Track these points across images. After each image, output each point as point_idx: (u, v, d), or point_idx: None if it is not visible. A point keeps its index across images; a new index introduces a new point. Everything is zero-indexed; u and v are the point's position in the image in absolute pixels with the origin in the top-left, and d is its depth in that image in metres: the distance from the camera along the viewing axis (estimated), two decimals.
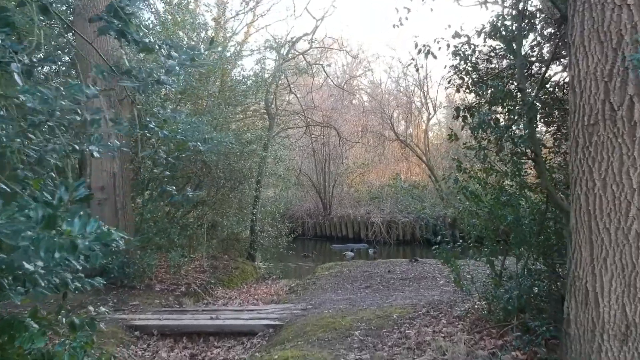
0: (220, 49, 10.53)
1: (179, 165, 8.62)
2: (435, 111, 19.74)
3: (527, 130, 3.41)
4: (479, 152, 4.22)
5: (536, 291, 3.99)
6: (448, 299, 5.51)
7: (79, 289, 2.64)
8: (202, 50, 2.71)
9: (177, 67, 2.28)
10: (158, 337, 5.27)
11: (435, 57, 5.18)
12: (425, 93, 19.17)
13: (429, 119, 19.59)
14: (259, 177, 10.24)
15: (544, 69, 4.70)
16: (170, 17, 9.52)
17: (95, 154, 2.45)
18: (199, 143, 3.45)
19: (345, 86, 18.66)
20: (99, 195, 7.14)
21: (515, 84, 4.42)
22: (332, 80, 16.93)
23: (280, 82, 11.94)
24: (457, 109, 4.64)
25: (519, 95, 4.47)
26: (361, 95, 21.49)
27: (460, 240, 4.39)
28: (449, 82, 5.13)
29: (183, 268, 7.73)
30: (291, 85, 13.16)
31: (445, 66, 4.96)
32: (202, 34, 9.67)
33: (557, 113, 4.59)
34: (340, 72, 21.20)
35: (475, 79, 4.62)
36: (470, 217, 4.22)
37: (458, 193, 4.29)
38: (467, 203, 4.08)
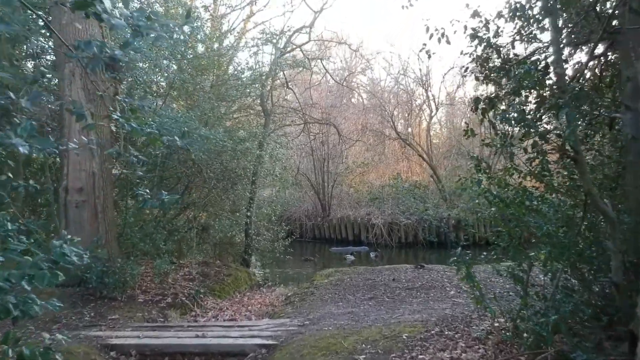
0: (216, 44, 9.95)
1: (169, 165, 8.03)
2: (437, 108, 19.16)
3: (570, 124, 2.81)
4: (503, 149, 3.64)
5: (569, 309, 3.40)
6: (462, 314, 4.92)
7: (28, 314, 2.11)
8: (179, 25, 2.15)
9: (127, 29, 1.69)
10: (137, 358, 4.68)
11: (449, 42, 4.60)
12: (427, 90, 18.60)
13: (431, 117, 19.00)
14: (254, 177, 9.64)
15: (577, 51, 4.13)
16: (162, 9, 8.92)
17: (22, 150, 1.87)
18: (176, 137, 2.86)
19: (344, 83, 18.05)
20: (77, 198, 6.53)
21: (542, 71, 3.84)
22: (331, 76, 16.31)
23: (276, 76, 11.34)
24: (477, 100, 4.05)
25: (548, 82, 3.91)
26: (360, 93, 20.89)
27: (483, 253, 3.79)
28: (465, 71, 4.55)
29: (170, 276, 7.12)
30: (289, 82, 12.55)
31: (462, 52, 4.38)
32: (195, 25, 9.04)
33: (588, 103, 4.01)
34: (340, 68, 20.62)
35: (497, 66, 4.03)
36: (495, 224, 3.61)
37: (479, 197, 3.70)
38: (492, 209, 3.47)
